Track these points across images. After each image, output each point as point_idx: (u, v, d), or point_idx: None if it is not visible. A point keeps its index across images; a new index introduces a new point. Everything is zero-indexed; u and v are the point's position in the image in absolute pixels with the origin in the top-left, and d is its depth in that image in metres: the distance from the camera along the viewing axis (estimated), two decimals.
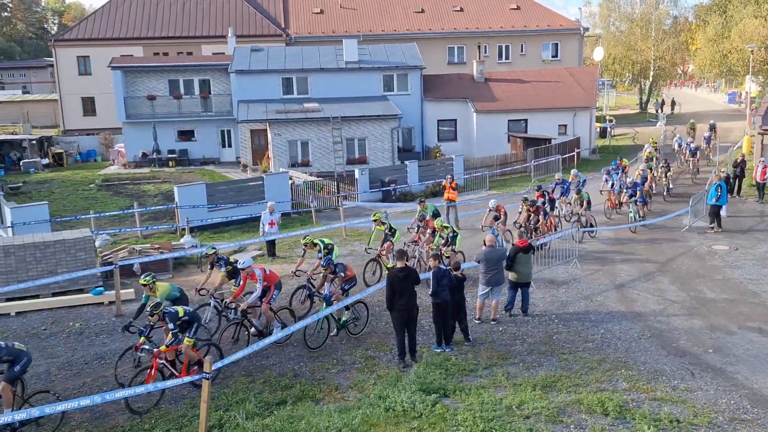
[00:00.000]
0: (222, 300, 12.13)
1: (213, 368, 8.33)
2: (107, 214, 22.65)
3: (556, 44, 47.07)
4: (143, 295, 10.95)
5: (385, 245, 15.06)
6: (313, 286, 12.79)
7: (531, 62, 45.17)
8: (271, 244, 17.75)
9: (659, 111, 50.53)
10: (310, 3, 47.75)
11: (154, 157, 35.77)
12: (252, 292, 11.41)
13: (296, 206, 24.00)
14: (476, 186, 28.43)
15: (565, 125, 34.97)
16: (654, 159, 25.66)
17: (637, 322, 12.09)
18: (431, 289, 10.84)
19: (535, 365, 10.19)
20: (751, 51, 37.89)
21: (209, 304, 12.37)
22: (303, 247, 13.58)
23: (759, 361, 10.25)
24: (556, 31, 46.63)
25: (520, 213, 17.36)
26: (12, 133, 42.70)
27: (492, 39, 45.99)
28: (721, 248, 17.18)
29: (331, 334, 11.48)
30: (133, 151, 36.14)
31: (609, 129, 42.25)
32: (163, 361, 9.46)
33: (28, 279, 13.67)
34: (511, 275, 12.48)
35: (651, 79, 57.25)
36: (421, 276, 11.24)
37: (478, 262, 12.27)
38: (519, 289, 12.59)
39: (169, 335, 9.59)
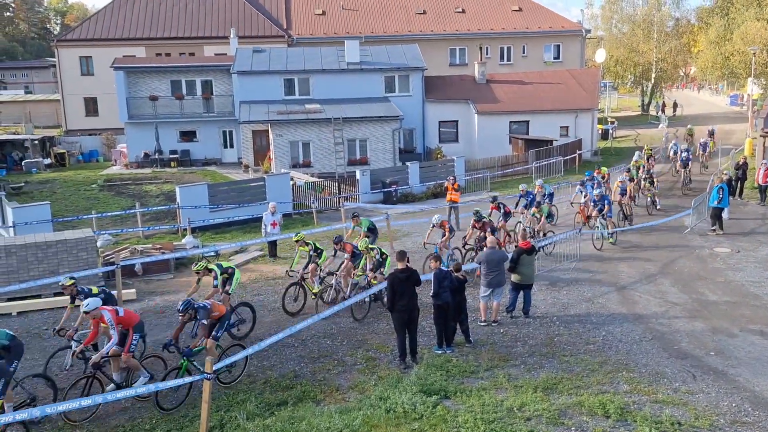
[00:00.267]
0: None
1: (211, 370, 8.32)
2: (109, 214, 22.67)
3: (558, 46, 47.05)
4: None
5: (310, 267, 13.37)
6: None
7: (533, 64, 45.16)
8: (272, 245, 17.78)
9: (659, 113, 50.53)
10: (312, 4, 47.80)
11: (156, 157, 35.83)
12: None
13: (297, 207, 24.02)
14: (478, 187, 28.43)
15: (567, 127, 34.96)
16: (640, 169, 23.71)
17: (638, 324, 12.07)
18: (432, 291, 10.83)
19: (537, 367, 10.17)
20: (753, 53, 37.88)
21: (70, 347, 10.22)
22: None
23: (761, 363, 10.23)
24: (558, 32, 46.62)
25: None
26: (14, 133, 42.78)
27: (494, 40, 46.00)
28: (723, 251, 17.16)
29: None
30: (135, 151, 36.19)
31: (611, 131, 42.25)
32: None
33: (30, 279, 13.68)
34: (513, 277, 12.46)
35: (653, 81, 57.24)
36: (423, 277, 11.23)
37: (479, 264, 12.27)
38: (521, 291, 12.58)
39: None
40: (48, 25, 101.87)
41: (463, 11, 47.52)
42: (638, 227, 19.47)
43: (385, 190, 26.21)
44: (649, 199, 22.05)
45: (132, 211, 22.26)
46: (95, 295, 10.16)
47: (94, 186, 30.65)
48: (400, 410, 8.51)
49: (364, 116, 32.19)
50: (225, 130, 37.33)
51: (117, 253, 16.24)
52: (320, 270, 13.47)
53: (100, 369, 9.22)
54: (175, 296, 14.28)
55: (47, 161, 37.68)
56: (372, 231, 15.19)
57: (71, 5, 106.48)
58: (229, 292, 11.75)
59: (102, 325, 9.45)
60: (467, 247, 15.37)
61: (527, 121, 34.88)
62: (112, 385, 9.44)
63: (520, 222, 17.62)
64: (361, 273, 13.11)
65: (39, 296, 14.09)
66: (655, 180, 22.77)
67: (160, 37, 44.53)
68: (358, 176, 26.38)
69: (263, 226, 17.73)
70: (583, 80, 37.52)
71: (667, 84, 60.53)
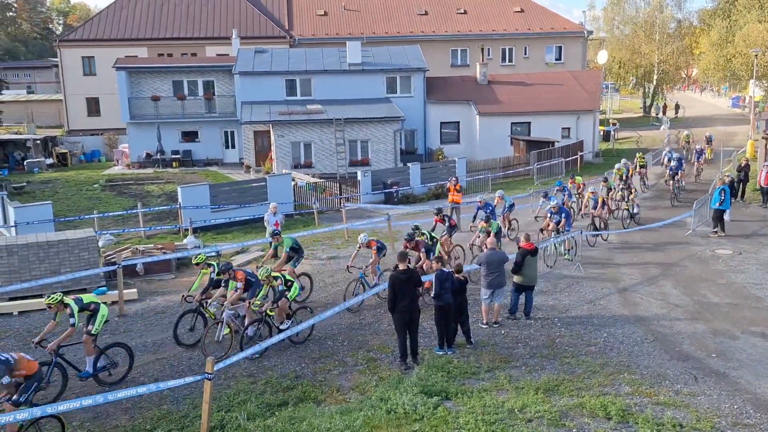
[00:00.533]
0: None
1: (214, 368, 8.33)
2: (111, 214, 22.68)
3: (560, 47, 47.04)
4: None
5: (217, 292, 11.67)
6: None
7: (534, 65, 45.15)
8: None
9: (659, 115, 50.50)
10: (314, 5, 47.85)
11: (158, 157, 35.85)
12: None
13: (299, 207, 24.03)
14: (479, 188, 28.41)
15: (569, 128, 34.95)
16: (623, 178, 22.14)
17: (639, 326, 12.05)
18: (433, 292, 10.82)
19: (538, 368, 10.16)
20: (755, 55, 37.84)
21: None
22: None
23: (762, 365, 10.21)
24: (560, 34, 46.62)
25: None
26: (16, 133, 42.88)
27: (495, 41, 46.00)
28: (725, 252, 17.14)
29: None
30: (137, 151, 36.23)
31: (612, 132, 42.25)
32: None
33: (31, 278, 13.70)
34: (516, 278, 12.44)
35: (655, 82, 57.21)
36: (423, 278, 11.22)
37: (480, 265, 12.25)
38: (523, 292, 12.55)
39: None
40: (50, 25, 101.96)
41: (465, 12, 47.53)
42: (639, 229, 19.46)
43: (387, 191, 26.21)
44: (625, 211, 20.07)
45: (134, 211, 22.29)
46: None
47: (95, 186, 30.69)
48: (401, 411, 8.50)
49: (365, 117, 32.20)
50: (227, 131, 37.36)
51: (118, 253, 16.24)
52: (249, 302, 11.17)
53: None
54: (176, 296, 14.26)
55: (49, 161, 37.74)
56: (296, 250, 13.75)
57: (74, 5, 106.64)
58: (93, 332, 9.84)
59: None
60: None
61: (529, 123, 34.87)
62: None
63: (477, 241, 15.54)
64: (258, 303, 11.09)
65: (40, 296, 14.04)
66: (633, 191, 20.77)
67: (162, 38, 44.59)
68: (359, 177, 26.38)
69: (267, 226, 17.76)
70: (584, 82, 37.51)
71: (667, 86, 60.42)
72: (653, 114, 55.63)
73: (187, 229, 19.58)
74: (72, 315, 9.66)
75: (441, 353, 10.79)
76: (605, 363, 10.31)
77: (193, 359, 10.93)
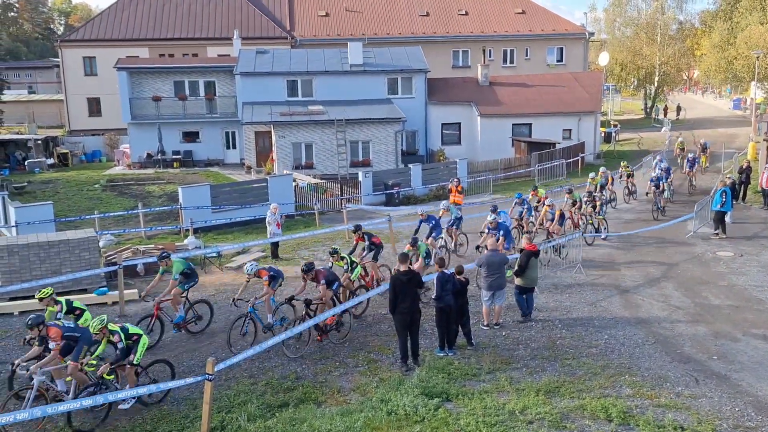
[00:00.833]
0: None
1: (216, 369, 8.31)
2: (111, 214, 22.68)
3: (561, 49, 47.04)
4: None
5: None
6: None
7: (536, 66, 45.16)
8: (274, 246, 17.78)
9: (659, 116, 50.48)
10: (316, 6, 47.87)
11: (159, 158, 35.87)
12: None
13: (300, 208, 24.02)
14: (480, 190, 28.40)
15: (570, 130, 34.93)
16: (598, 188, 20.83)
17: (641, 327, 12.04)
18: (435, 294, 10.81)
19: (539, 370, 10.15)
20: (757, 57, 37.84)
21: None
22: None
23: (764, 368, 10.19)
24: (561, 35, 46.62)
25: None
26: (17, 133, 42.91)
27: (497, 43, 46.00)
28: (726, 254, 17.11)
29: None
30: (138, 151, 36.25)
31: (613, 134, 42.24)
32: None
33: (32, 279, 13.69)
34: (518, 280, 12.41)
35: (656, 84, 57.21)
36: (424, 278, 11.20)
37: (480, 266, 12.23)
38: (524, 294, 12.54)
39: None
40: (52, 26, 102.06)
41: (466, 13, 47.54)
42: (640, 230, 19.44)
43: (388, 192, 26.20)
44: (590, 225, 18.35)
45: (134, 211, 22.29)
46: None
47: (96, 186, 30.70)
48: (402, 412, 8.50)
49: (366, 118, 32.21)
50: (228, 131, 37.38)
51: (119, 254, 16.22)
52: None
53: None
54: None
55: (50, 161, 37.75)
56: (188, 275, 12.11)
57: (75, 6, 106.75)
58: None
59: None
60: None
61: (530, 124, 34.86)
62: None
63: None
64: (93, 362, 9.19)
65: None
66: (598, 204, 18.75)
67: (164, 38, 44.63)
68: (360, 178, 26.38)
69: (269, 226, 17.76)
70: (586, 83, 37.50)
71: (668, 88, 60.42)
72: (653, 116, 55.62)
73: (187, 230, 19.58)
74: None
75: (442, 354, 10.78)
76: (606, 365, 10.30)
77: (194, 360, 10.93)
